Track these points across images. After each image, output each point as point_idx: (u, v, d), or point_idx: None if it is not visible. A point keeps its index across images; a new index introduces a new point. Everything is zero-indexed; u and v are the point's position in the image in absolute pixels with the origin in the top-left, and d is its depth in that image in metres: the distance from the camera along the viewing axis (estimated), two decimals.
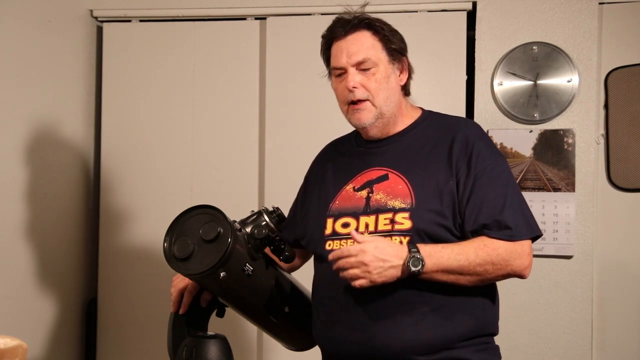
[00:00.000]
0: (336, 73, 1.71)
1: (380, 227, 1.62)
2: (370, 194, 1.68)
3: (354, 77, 1.67)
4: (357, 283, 1.52)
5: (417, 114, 1.78)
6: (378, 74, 1.68)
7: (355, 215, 1.67)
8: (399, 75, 1.73)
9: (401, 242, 1.59)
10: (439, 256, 1.53)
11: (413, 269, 1.51)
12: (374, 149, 1.75)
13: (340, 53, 1.69)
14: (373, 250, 1.50)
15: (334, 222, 1.70)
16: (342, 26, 1.70)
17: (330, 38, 1.73)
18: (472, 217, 1.60)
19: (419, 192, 1.63)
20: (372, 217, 1.64)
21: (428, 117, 1.78)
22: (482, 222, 1.59)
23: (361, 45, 1.68)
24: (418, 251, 1.52)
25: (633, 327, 2.62)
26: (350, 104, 1.69)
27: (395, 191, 1.65)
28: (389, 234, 1.61)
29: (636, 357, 2.60)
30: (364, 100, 1.67)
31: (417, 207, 1.61)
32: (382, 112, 1.69)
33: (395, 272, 1.52)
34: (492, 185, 1.62)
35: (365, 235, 1.57)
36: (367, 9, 1.82)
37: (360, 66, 1.67)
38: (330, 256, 1.55)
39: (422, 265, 1.52)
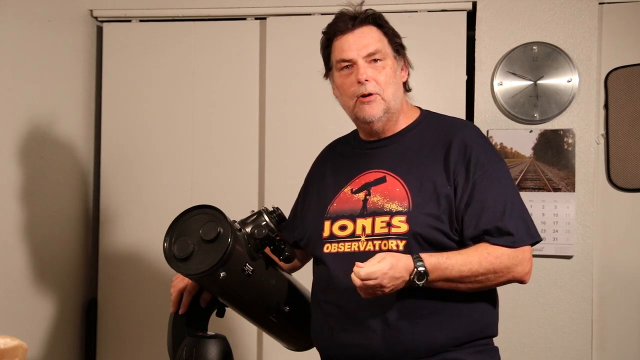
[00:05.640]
0: (342, 66, 1.69)
1: (377, 230, 1.61)
2: (367, 197, 1.67)
3: (366, 70, 1.65)
4: (369, 297, 1.50)
5: (415, 114, 1.77)
6: (387, 67, 1.68)
7: (352, 218, 1.66)
8: (401, 72, 1.74)
9: (397, 246, 1.58)
10: (443, 268, 1.52)
11: (418, 283, 1.50)
12: (372, 150, 1.74)
13: (349, 46, 1.67)
14: (390, 272, 1.47)
15: (332, 224, 1.69)
16: (348, 20, 1.69)
17: (333, 33, 1.71)
18: (472, 223, 1.59)
19: (416, 196, 1.62)
20: (369, 220, 1.63)
21: (427, 118, 1.77)
22: (483, 228, 1.58)
23: (371, 38, 1.68)
24: (423, 264, 1.50)
25: (633, 327, 2.61)
26: (360, 97, 1.67)
27: (392, 194, 1.64)
28: (385, 237, 1.60)
29: (636, 357, 2.60)
30: (374, 94, 1.66)
31: (413, 211, 1.60)
32: (389, 107, 1.68)
33: (402, 284, 1.51)
34: (491, 190, 1.61)
35: (377, 258, 1.49)
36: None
37: (371, 58, 1.66)
38: (354, 281, 1.47)
39: (426, 280, 1.51)
